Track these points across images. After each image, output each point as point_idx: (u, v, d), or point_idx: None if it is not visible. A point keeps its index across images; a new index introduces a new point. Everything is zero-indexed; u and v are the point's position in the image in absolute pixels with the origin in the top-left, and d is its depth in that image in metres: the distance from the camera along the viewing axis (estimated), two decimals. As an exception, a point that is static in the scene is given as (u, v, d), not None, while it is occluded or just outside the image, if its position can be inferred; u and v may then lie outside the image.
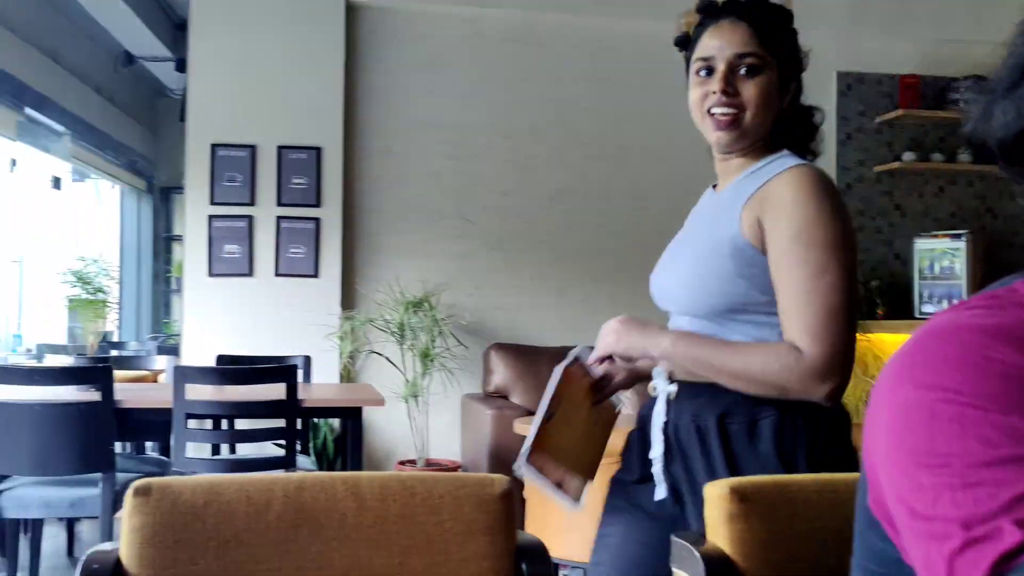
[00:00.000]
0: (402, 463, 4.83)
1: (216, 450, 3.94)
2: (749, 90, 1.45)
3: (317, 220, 4.88)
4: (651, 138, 5.26)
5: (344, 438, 4.46)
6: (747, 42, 1.45)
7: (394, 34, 5.14)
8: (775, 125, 1.49)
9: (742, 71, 1.44)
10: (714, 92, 1.45)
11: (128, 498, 0.95)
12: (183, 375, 3.20)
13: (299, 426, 3.55)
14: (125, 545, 0.93)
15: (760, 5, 1.50)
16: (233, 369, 3.63)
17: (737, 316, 1.42)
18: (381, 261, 5.07)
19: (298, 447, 3.51)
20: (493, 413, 4.44)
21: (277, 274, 4.85)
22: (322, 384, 4.48)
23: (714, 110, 1.45)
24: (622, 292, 4.76)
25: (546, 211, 5.29)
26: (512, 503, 1.13)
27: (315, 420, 4.64)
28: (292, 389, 3.24)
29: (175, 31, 6.87)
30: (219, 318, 4.87)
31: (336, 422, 4.84)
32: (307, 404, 3.36)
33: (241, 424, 3.82)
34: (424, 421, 4.76)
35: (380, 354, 4.82)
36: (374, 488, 1.07)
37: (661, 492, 1.43)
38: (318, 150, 4.88)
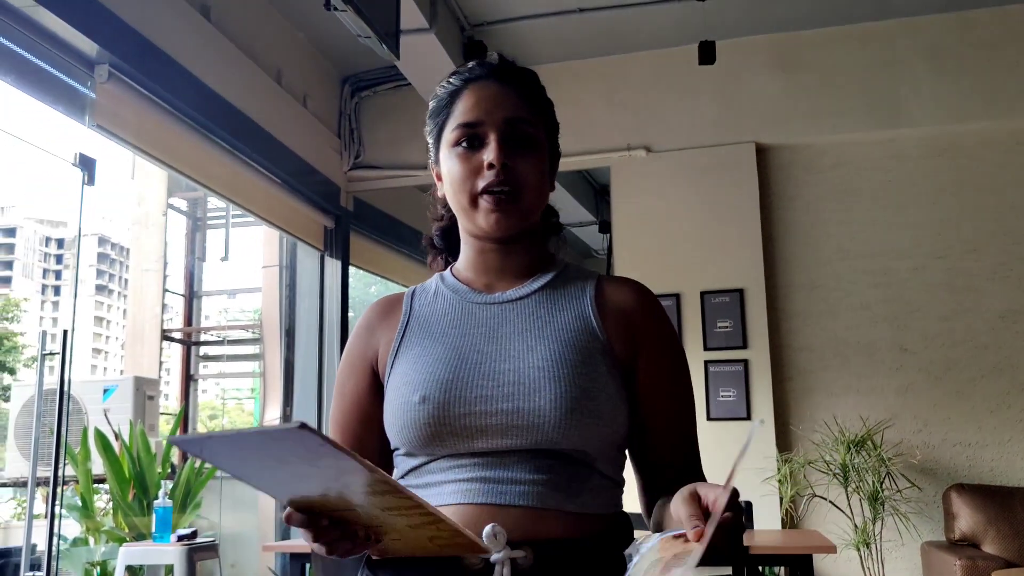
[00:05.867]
0: (859, 618, 4.44)
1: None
2: (526, 168, 1.14)
3: (745, 362, 4.86)
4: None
5: (792, 588, 4.23)
6: (518, 106, 1.16)
7: (806, 168, 5.11)
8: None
9: (516, 142, 1.15)
10: (489, 166, 1.13)
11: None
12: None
13: (746, 574, 3.44)
14: None
15: (520, 69, 1.21)
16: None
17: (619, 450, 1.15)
18: (815, 400, 4.87)
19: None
20: (963, 564, 3.94)
21: (709, 418, 4.87)
22: (765, 530, 4.33)
23: (492, 189, 1.13)
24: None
25: (997, 333, 4.75)
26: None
27: (760, 568, 4.47)
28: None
29: (596, 197, 7.47)
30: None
31: (782, 570, 4.61)
32: (753, 551, 3.26)
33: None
34: (879, 571, 4.37)
35: (824, 498, 4.57)
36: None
37: None
38: (741, 292, 4.91)
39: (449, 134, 1.17)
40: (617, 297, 1.18)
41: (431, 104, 1.23)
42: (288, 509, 0.89)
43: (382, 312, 1.25)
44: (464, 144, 1.15)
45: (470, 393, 1.07)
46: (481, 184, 1.13)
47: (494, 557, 0.99)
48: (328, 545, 0.91)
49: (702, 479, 1.14)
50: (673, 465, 1.14)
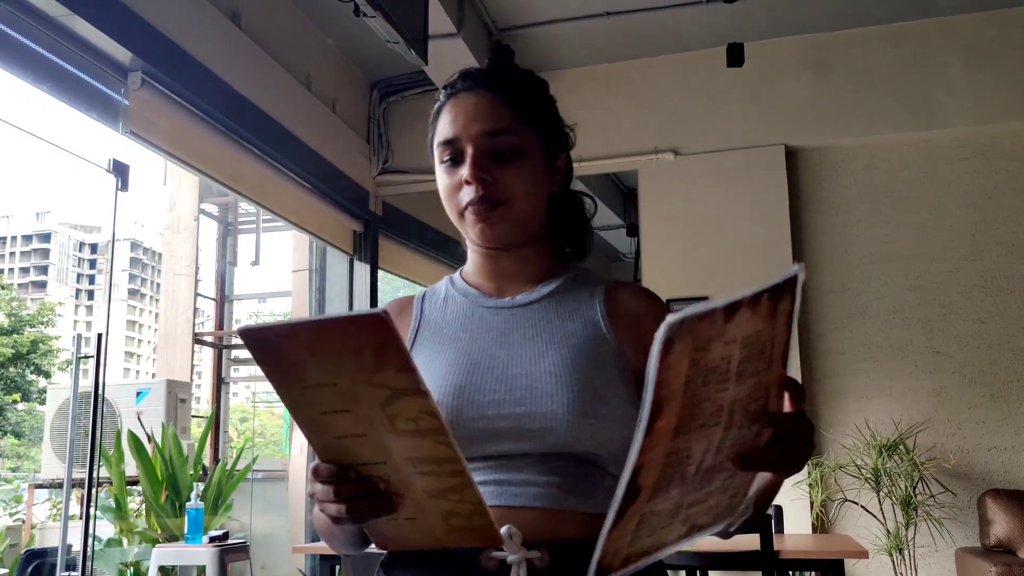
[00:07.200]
0: (892, 625, 4.39)
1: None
2: (508, 178, 1.14)
3: (774, 365, 4.82)
4: None
5: (824, 594, 4.18)
6: (497, 116, 1.15)
7: (836, 171, 5.06)
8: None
9: (495, 154, 1.14)
10: (466, 182, 1.14)
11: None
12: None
13: (776, 579, 3.41)
14: None
15: (508, 73, 1.21)
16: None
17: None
18: (846, 403, 4.83)
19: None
20: (998, 571, 3.89)
21: (738, 422, 4.83)
22: (796, 535, 4.29)
23: (471, 207, 1.14)
24: None
25: (1034, 336, 4.68)
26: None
27: (790, 572, 4.43)
28: (767, 539, 3.15)
29: (624, 200, 7.45)
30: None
31: (813, 575, 4.57)
32: (783, 555, 3.23)
33: (714, 575, 3.78)
34: (913, 578, 4.32)
35: (856, 503, 4.52)
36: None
37: None
38: (770, 295, 4.87)
39: (435, 150, 1.19)
40: (627, 303, 1.19)
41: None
42: (316, 461, 0.88)
43: (393, 316, 1.26)
44: (447, 160, 1.17)
45: (483, 398, 1.08)
46: (464, 200, 1.15)
47: (511, 558, 0.99)
48: (348, 503, 0.89)
49: None
50: None
